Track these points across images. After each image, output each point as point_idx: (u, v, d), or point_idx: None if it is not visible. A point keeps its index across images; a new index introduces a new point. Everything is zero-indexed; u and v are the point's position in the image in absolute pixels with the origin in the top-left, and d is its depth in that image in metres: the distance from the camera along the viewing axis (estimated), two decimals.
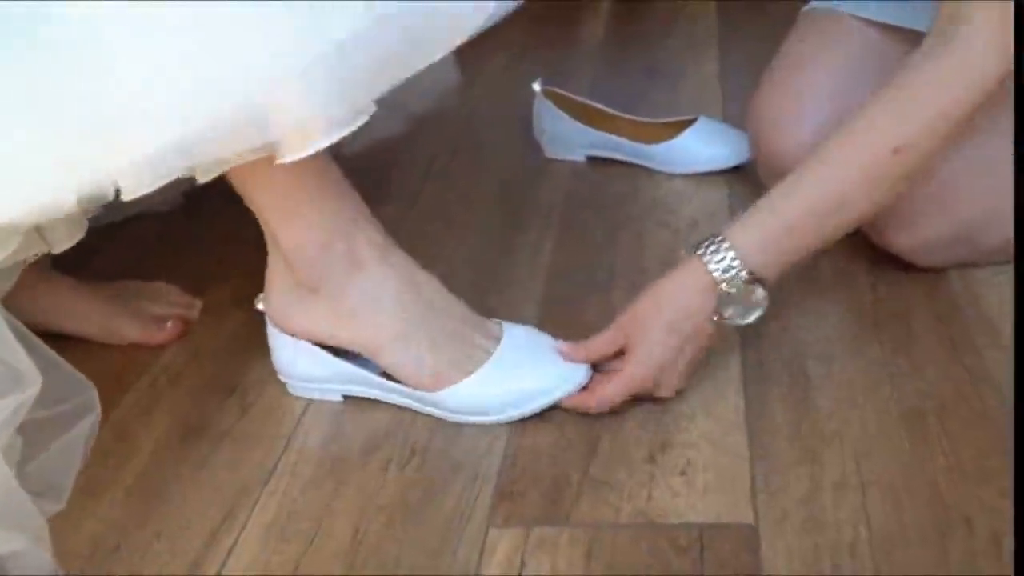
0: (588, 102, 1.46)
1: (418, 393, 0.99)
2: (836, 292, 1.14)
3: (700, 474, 0.92)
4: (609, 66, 1.77)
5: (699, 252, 0.97)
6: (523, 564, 0.84)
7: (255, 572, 0.86)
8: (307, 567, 0.86)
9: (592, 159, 1.45)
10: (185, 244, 1.34)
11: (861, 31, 1.23)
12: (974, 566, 0.81)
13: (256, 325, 1.17)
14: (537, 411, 0.99)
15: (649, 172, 1.41)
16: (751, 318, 0.98)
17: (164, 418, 1.05)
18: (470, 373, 0.98)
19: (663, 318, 0.97)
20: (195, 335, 1.17)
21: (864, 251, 1.19)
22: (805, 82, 1.23)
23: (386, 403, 1.02)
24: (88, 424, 0.88)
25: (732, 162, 1.38)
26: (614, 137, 1.42)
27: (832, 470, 0.91)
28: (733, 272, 0.96)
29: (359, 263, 0.98)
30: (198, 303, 1.20)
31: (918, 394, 0.98)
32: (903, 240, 1.12)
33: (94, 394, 0.88)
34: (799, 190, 0.99)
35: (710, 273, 0.96)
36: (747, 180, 1.35)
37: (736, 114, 1.43)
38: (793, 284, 1.15)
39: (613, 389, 0.97)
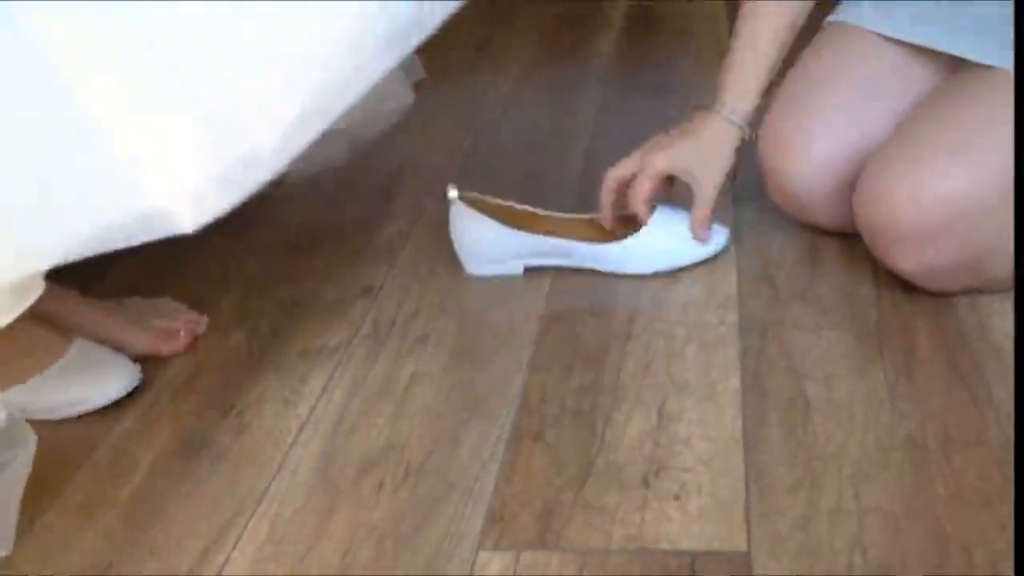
0: (515, 205, 1.23)
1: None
2: (839, 313, 1.13)
3: (694, 499, 0.91)
4: (619, 83, 1.76)
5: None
6: None
7: None
8: None
9: (530, 270, 1.23)
10: (184, 265, 1.34)
11: (882, 49, 1.21)
12: None
13: (256, 344, 1.17)
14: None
15: None
16: None
17: (163, 436, 1.05)
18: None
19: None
20: (196, 353, 1.17)
21: (869, 272, 1.17)
22: (820, 99, 1.21)
23: (382, 422, 1.02)
24: (22, 462, 0.88)
25: (702, 255, 1.21)
26: (554, 239, 1.19)
27: (829, 496, 0.90)
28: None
29: None
30: (204, 319, 1.20)
31: (920, 419, 0.97)
32: (910, 265, 1.10)
33: (31, 435, 0.88)
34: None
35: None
36: (753, 198, 1.33)
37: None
38: (795, 304, 1.15)
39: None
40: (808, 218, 1.25)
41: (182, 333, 1.17)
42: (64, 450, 1.02)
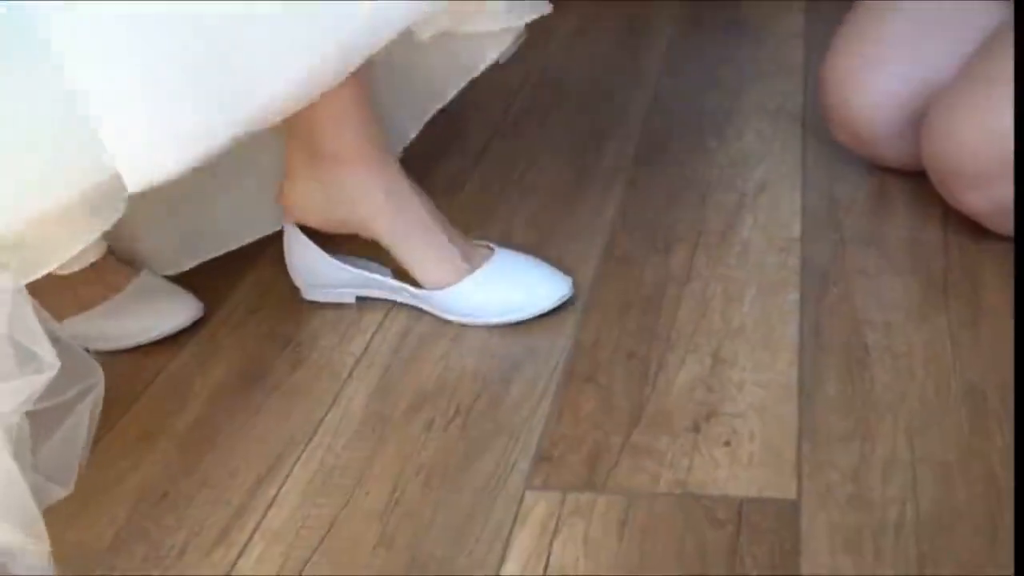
0: None
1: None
2: (904, 258, 1.10)
3: (745, 445, 0.90)
4: (690, 19, 1.72)
5: None
6: (556, 529, 0.84)
7: (292, 525, 0.87)
8: (343, 523, 0.87)
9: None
10: None
11: None
12: None
13: None
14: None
15: (720, 130, 1.37)
16: None
17: (221, 368, 1.06)
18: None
19: None
20: (256, 286, 1.18)
21: (938, 217, 1.14)
22: (882, 32, 1.19)
23: (435, 361, 1.03)
24: (90, 403, 0.88)
25: (540, 308, 1.07)
26: (378, 278, 1.10)
27: (883, 446, 0.88)
28: None
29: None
30: None
31: (981, 369, 0.95)
32: (979, 203, 1.07)
33: (99, 373, 0.88)
34: None
35: None
36: (823, 139, 1.30)
37: (817, 73, 1.38)
38: (859, 249, 1.12)
39: None
40: (871, 154, 1.22)
41: None
42: (123, 381, 1.04)
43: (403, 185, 1.08)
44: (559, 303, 1.07)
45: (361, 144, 1.05)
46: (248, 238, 1.19)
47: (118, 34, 0.81)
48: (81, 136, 0.82)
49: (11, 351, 0.81)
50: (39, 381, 0.82)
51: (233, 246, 1.19)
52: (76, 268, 1.05)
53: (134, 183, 0.84)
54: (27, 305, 0.84)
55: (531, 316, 1.06)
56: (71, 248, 0.90)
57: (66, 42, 0.80)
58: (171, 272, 1.16)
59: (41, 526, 0.81)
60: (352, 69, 0.90)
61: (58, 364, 0.82)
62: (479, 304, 1.06)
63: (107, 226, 0.91)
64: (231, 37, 0.82)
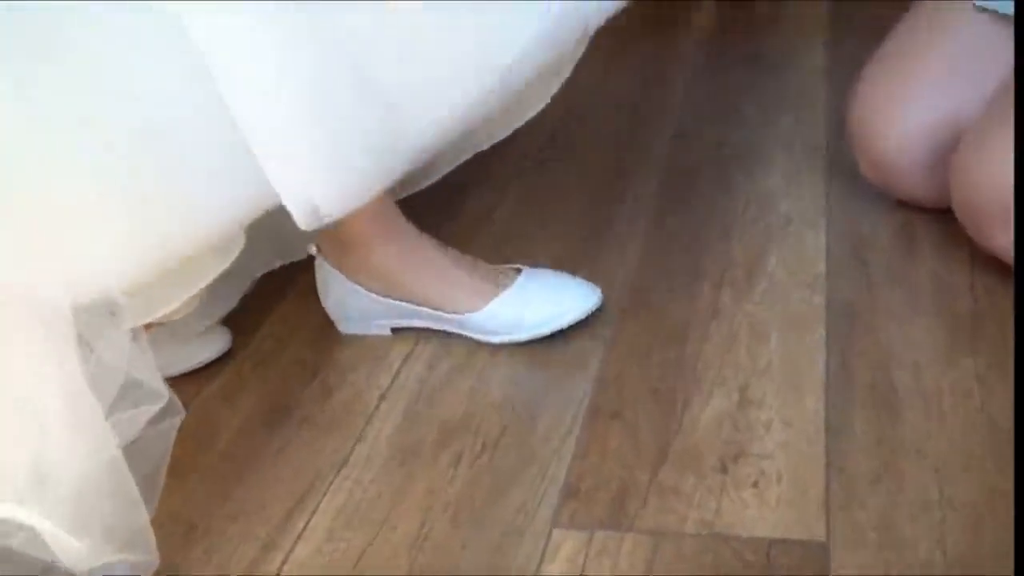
0: None
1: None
2: (932, 298, 1.10)
3: (773, 486, 0.90)
4: (713, 55, 1.73)
5: None
6: (584, 567, 0.84)
7: (320, 559, 0.87)
8: (370, 558, 0.87)
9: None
10: None
11: (976, 21, 1.19)
12: None
13: None
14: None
15: (743, 166, 1.38)
16: None
17: (249, 401, 1.07)
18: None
19: None
20: (285, 319, 1.18)
21: (965, 257, 1.14)
22: (912, 69, 1.20)
23: (462, 394, 1.03)
24: (169, 428, 0.89)
25: (571, 319, 1.09)
26: (411, 306, 1.11)
27: (912, 488, 0.88)
28: None
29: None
30: None
31: (1009, 411, 0.94)
32: (1004, 239, 1.07)
33: (175, 400, 0.89)
34: None
35: None
36: (847, 175, 1.31)
37: (841, 108, 1.39)
38: (885, 288, 1.12)
39: None
40: (898, 189, 1.23)
41: None
42: None
43: (410, 235, 1.10)
44: (589, 312, 1.09)
45: (368, 225, 1.08)
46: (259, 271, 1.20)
47: (283, 68, 0.80)
48: (247, 171, 0.80)
49: (132, 383, 0.84)
50: (151, 410, 0.85)
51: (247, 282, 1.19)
52: (179, 316, 1.03)
53: (305, 221, 0.83)
54: (142, 339, 0.85)
55: (564, 326, 1.08)
56: (192, 287, 0.90)
57: (232, 79, 0.79)
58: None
59: (151, 539, 0.85)
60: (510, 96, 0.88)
61: (167, 394, 0.85)
62: (512, 321, 1.08)
63: (226, 265, 0.91)
64: (395, 71, 0.82)
